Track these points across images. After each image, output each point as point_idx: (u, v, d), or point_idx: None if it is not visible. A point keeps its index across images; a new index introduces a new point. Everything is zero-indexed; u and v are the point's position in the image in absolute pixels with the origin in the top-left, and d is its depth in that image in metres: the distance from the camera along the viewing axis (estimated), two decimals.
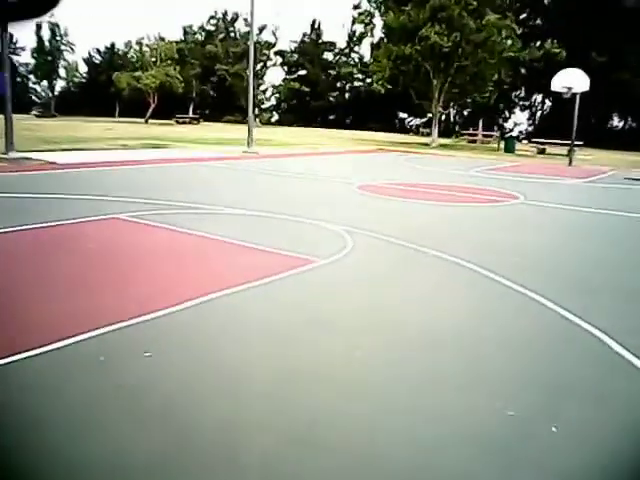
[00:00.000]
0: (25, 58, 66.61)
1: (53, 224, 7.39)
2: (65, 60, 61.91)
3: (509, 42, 30.05)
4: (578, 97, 22.32)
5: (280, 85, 59.60)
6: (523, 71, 42.37)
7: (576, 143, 24.63)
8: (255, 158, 19.50)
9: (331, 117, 62.36)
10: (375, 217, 9.25)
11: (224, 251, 6.57)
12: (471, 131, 42.36)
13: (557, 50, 31.76)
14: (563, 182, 16.30)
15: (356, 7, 33.79)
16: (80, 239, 6.90)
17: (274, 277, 5.42)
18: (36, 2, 1.37)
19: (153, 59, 47.14)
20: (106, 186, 11.24)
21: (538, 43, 44.59)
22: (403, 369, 3.68)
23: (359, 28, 33.52)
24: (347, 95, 60.23)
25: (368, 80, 43.16)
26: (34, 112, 54.38)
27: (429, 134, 36.87)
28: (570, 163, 22.92)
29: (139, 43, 48.72)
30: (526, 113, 50.33)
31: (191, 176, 14.33)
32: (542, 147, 29.44)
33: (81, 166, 14.48)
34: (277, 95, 60.95)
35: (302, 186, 13.18)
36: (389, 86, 31.46)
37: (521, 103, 49.82)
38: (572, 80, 22.30)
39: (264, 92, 57.67)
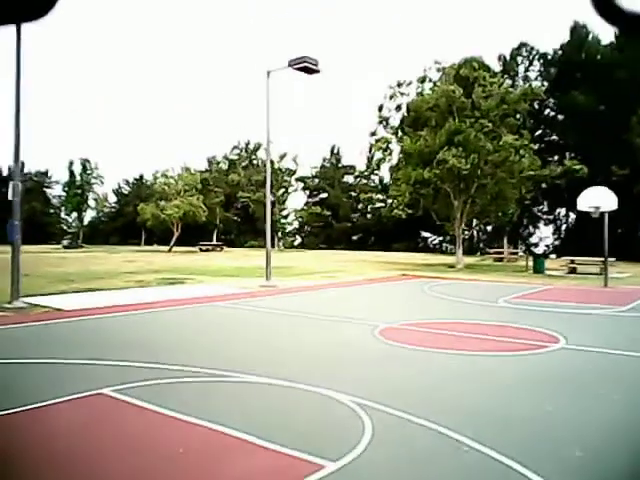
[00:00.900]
0: (58, 191, 69.55)
1: (23, 408, 6.39)
2: (95, 192, 64.28)
3: (527, 162, 29.88)
4: (606, 215, 21.50)
5: (302, 209, 60.49)
6: (544, 185, 42.25)
7: (608, 260, 23.56)
8: (271, 294, 18.69)
9: (354, 238, 62.52)
10: (400, 381, 8.06)
11: (214, 454, 5.43)
12: (496, 249, 41.67)
13: (578, 166, 31.48)
14: (604, 312, 14.98)
15: (373, 134, 34.42)
16: (42, 433, 5.85)
17: None
18: (27, 7, 1.31)
19: (177, 190, 48.35)
20: (103, 342, 10.38)
21: (556, 157, 44.95)
22: None
23: (377, 154, 33.86)
24: (369, 216, 60.61)
25: (389, 201, 43.31)
26: (64, 242, 55.59)
27: (453, 252, 36.13)
28: (605, 284, 21.65)
29: (164, 175, 50.27)
30: (550, 227, 49.73)
31: (201, 325, 13.42)
32: (573, 266, 28.29)
33: (87, 313, 13.77)
34: (300, 219, 61.71)
35: (316, 332, 12.13)
36: (409, 211, 31.30)
37: (545, 217, 49.33)
38: (599, 199, 21.61)
39: (286, 217, 58.42)
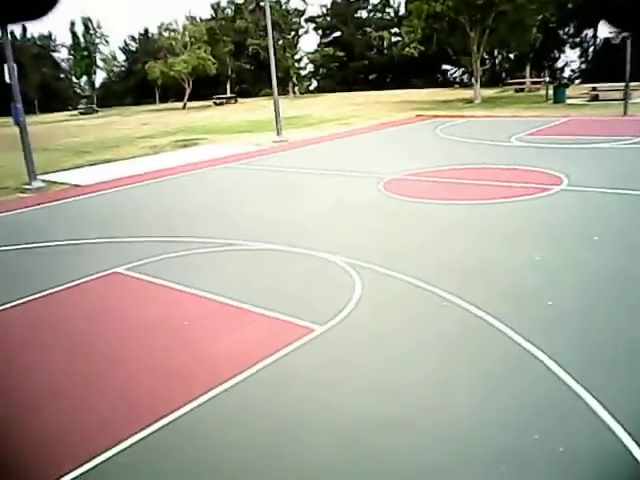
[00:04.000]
0: (65, 54, 67.57)
1: (43, 294, 7.00)
2: (101, 53, 62.29)
3: None
4: (629, 40, 20.28)
5: (316, 51, 57.93)
6: (570, 5, 39.15)
7: (632, 85, 22.58)
8: (283, 150, 18.77)
9: (371, 77, 60.28)
10: (394, 238, 8.42)
11: (215, 321, 5.99)
12: (518, 79, 39.93)
13: None
14: (617, 145, 14.77)
15: None
16: (64, 314, 6.48)
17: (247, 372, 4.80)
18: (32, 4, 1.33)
19: (183, 43, 46.53)
20: (117, 218, 10.89)
21: None
22: None
23: None
24: (386, 52, 57.80)
25: (404, 37, 41.07)
26: (80, 108, 55.05)
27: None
28: (625, 112, 21.00)
29: (167, 29, 48.11)
30: (577, 50, 46.88)
31: (210, 191, 13.76)
32: (595, 93, 27.21)
33: (103, 187, 14.19)
34: (314, 62, 59.33)
35: (322, 189, 12.39)
36: (422, 48, 29.74)
37: (571, 40, 46.36)
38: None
39: (299, 61, 56.19)
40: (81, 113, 52.89)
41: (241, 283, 6.88)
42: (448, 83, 52.84)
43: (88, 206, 12.41)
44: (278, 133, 20.98)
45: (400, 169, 13.34)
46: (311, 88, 61.18)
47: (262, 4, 57.84)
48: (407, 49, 29.69)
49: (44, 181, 14.94)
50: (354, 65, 57.83)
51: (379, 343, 5.16)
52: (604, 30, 21.14)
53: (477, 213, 9.41)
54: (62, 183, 15.21)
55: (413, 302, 5.98)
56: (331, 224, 9.39)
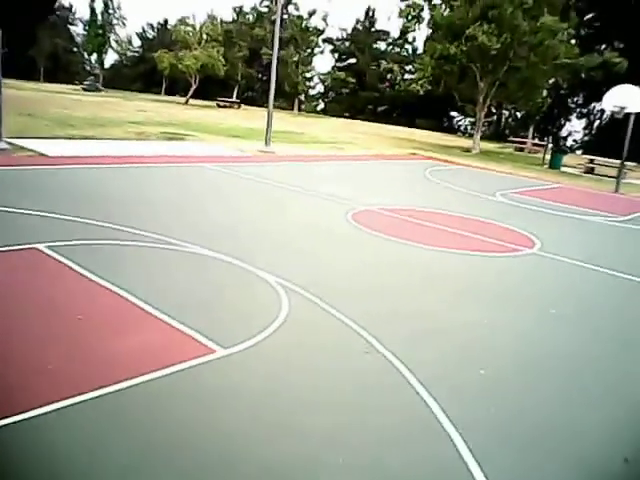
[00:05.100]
0: (82, 29, 67.10)
1: None
2: (116, 34, 61.95)
3: (562, 48, 27.50)
4: (632, 117, 20.15)
5: (328, 73, 57.97)
6: (583, 76, 39.39)
7: (628, 165, 22.45)
8: (265, 161, 18.26)
9: (380, 109, 60.39)
10: (342, 269, 7.87)
11: (113, 321, 5.36)
12: (520, 138, 39.99)
13: (617, 60, 29.08)
14: (600, 220, 14.41)
15: None
16: None
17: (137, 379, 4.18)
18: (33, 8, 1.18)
19: (197, 39, 46.24)
20: (67, 194, 10.25)
21: (604, 46, 41.52)
22: None
23: (405, 21, 31.33)
24: (397, 88, 57.95)
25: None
26: (84, 84, 54.52)
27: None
28: (617, 189, 20.79)
29: (184, 22, 47.83)
30: (583, 122, 47.24)
31: (176, 188, 13.19)
32: (591, 166, 27.12)
33: (69, 162, 13.62)
34: (326, 84, 59.38)
35: (289, 206, 11.88)
36: (429, 87, 29.54)
37: (578, 110, 46.74)
38: (627, 98, 20.10)
39: (310, 79, 56.17)
40: (84, 89, 52.33)
41: (160, 286, 6.27)
42: (452, 129, 53.06)
43: (41, 176, 11.75)
44: (266, 143, 20.53)
45: (376, 201, 12.86)
46: (318, 109, 61.15)
47: (285, 16, 58.06)
48: (413, 85, 29.48)
49: (10, 144, 14.32)
50: (364, 94, 57.94)
51: (278, 381, 4.56)
52: (608, 103, 20.99)
53: (439, 260, 8.89)
54: (30, 150, 14.55)
55: (334, 342, 5.39)
56: (283, 242, 8.82)
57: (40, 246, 7.02)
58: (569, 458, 4.00)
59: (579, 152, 42.61)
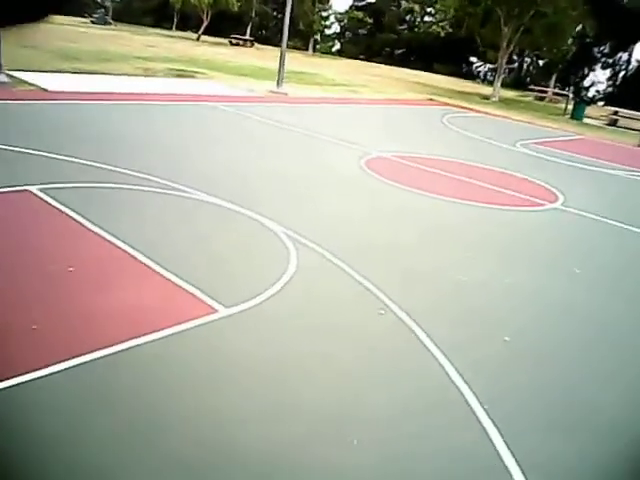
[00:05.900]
0: None
1: None
2: None
3: None
4: None
5: (345, 12, 55.77)
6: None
7: None
8: (277, 102, 17.51)
9: (397, 52, 58.31)
10: (354, 220, 7.39)
11: (107, 273, 4.95)
12: (541, 86, 38.49)
13: None
14: (626, 175, 13.73)
15: None
16: None
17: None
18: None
19: None
20: (67, 132, 9.73)
21: None
22: None
23: None
24: (415, 30, 55.72)
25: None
26: (93, 17, 52.79)
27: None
28: None
29: None
30: (607, 72, 45.34)
31: (182, 128, 12.57)
32: (615, 118, 26.04)
33: (71, 97, 13.05)
34: (342, 23, 57.22)
35: (299, 151, 11.31)
36: (450, 29, 28.18)
37: (604, 60, 44.81)
38: None
39: (326, 18, 54.08)
40: (93, 22, 50.61)
41: (159, 235, 5.85)
42: (471, 76, 51.14)
43: (40, 112, 11.20)
44: (278, 84, 19.69)
45: (390, 148, 12.25)
46: (333, 50, 59.12)
47: None
48: (434, 27, 28.15)
49: (11, 77, 13.70)
50: (381, 36, 55.82)
51: (283, 346, 4.17)
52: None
53: (456, 213, 8.39)
54: (31, 84, 13.92)
55: (346, 302, 4.98)
56: (292, 191, 8.33)
57: (32, 188, 6.58)
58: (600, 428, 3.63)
59: (601, 103, 41.11)
